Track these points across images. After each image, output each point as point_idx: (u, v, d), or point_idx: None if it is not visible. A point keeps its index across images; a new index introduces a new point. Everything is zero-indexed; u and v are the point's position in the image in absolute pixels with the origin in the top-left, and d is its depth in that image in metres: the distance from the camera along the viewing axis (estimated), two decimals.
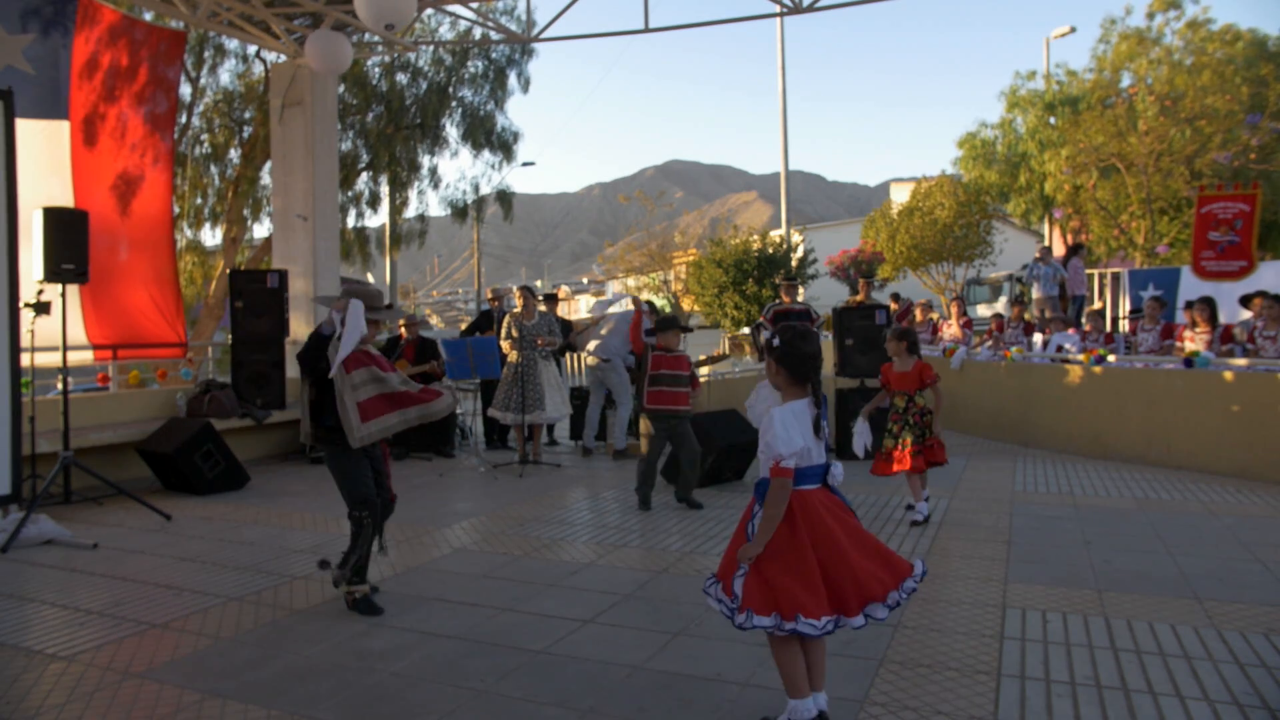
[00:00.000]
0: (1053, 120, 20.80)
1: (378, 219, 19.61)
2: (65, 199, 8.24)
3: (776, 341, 3.12)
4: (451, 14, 13.96)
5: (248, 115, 16.32)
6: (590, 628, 4.11)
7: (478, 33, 15.06)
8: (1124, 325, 12.76)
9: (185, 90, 15.12)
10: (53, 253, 6.37)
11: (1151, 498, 6.79)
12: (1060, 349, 10.36)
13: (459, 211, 18.67)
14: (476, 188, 18.63)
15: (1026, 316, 12.30)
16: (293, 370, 9.96)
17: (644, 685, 3.46)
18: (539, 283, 74.45)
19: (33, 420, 6.54)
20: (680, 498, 6.78)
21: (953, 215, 21.70)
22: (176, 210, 15.14)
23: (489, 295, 10.77)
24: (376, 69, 16.58)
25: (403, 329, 9.63)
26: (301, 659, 3.80)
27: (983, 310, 21.87)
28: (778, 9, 10.19)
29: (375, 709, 3.30)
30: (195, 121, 16.03)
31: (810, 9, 9.77)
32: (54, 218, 6.45)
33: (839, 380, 9.29)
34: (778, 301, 9.97)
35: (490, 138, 17.55)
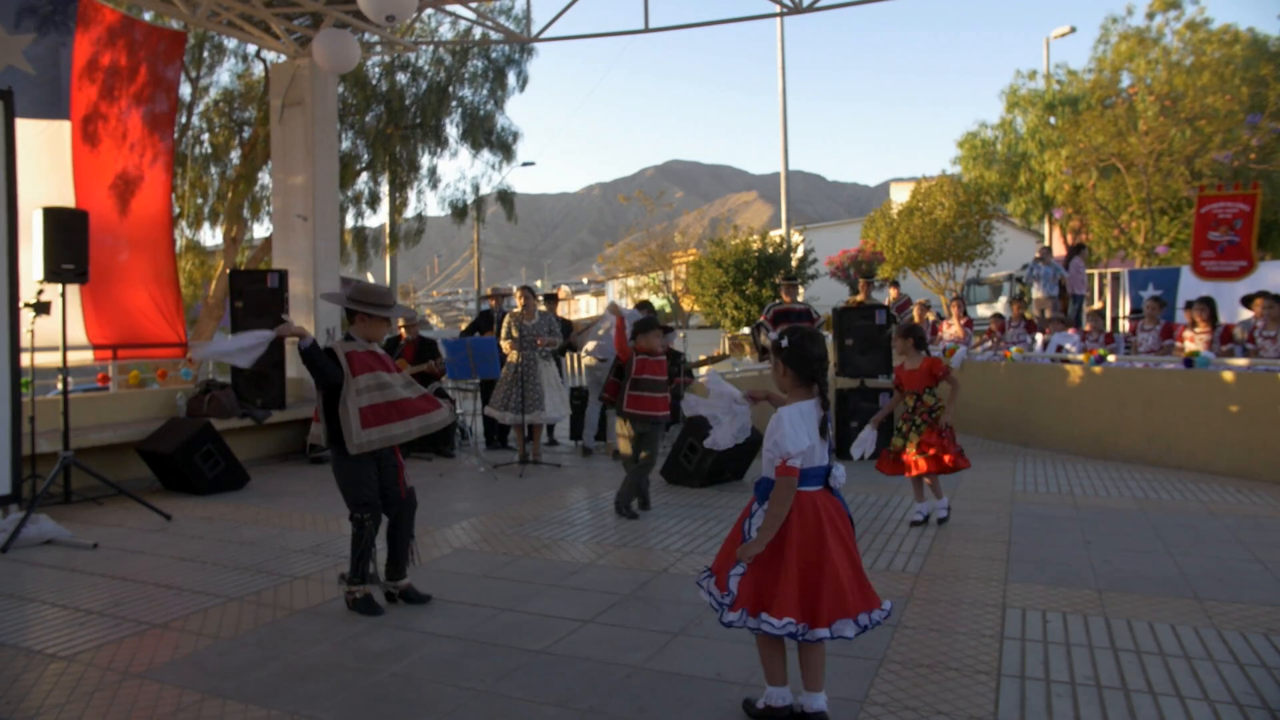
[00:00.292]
0: (1053, 120, 20.80)
1: (378, 219, 19.63)
2: (66, 199, 8.24)
3: (785, 342, 3.13)
4: (451, 14, 13.96)
5: (248, 115, 16.31)
6: (590, 628, 4.11)
7: (477, 32, 15.06)
8: (1124, 325, 12.76)
9: (185, 90, 15.12)
10: (53, 253, 6.37)
11: (1151, 498, 6.79)
12: (1060, 349, 10.36)
13: (459, 211, 18.67)
14: (476, 188, 18.64)
15: (1027, 315, 12.30)
16: (293, 370, 9.97)
17: (644, 685, 3.46)
18: (539, 283, 74.44)
19: (33, 420, 6.54)
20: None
21: (953, 215, 21.70)
22: (176, 210, 15.15)
23: (488, 293, 10.78)
24: (376, 69, 16.58)
25: (402, 329, 9.63)
26: (301, 659, 3.80)
27: (983, 310, 21.86)
28: (778, 9, 10.19)
29: (375, 709, 3.30)
30: (195, 121, 16.03)
31: (810, 9, 9.77)
32: (54, 218, 6.45)
33: (839, 380, 9.29)
34: (778, 301, 9.97)
35: (490, 138, 17.54)
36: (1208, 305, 9.11)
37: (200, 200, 16.50)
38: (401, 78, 16.81)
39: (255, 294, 9.25)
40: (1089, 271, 14.91)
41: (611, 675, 3.56)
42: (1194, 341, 8.93)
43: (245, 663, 3.77)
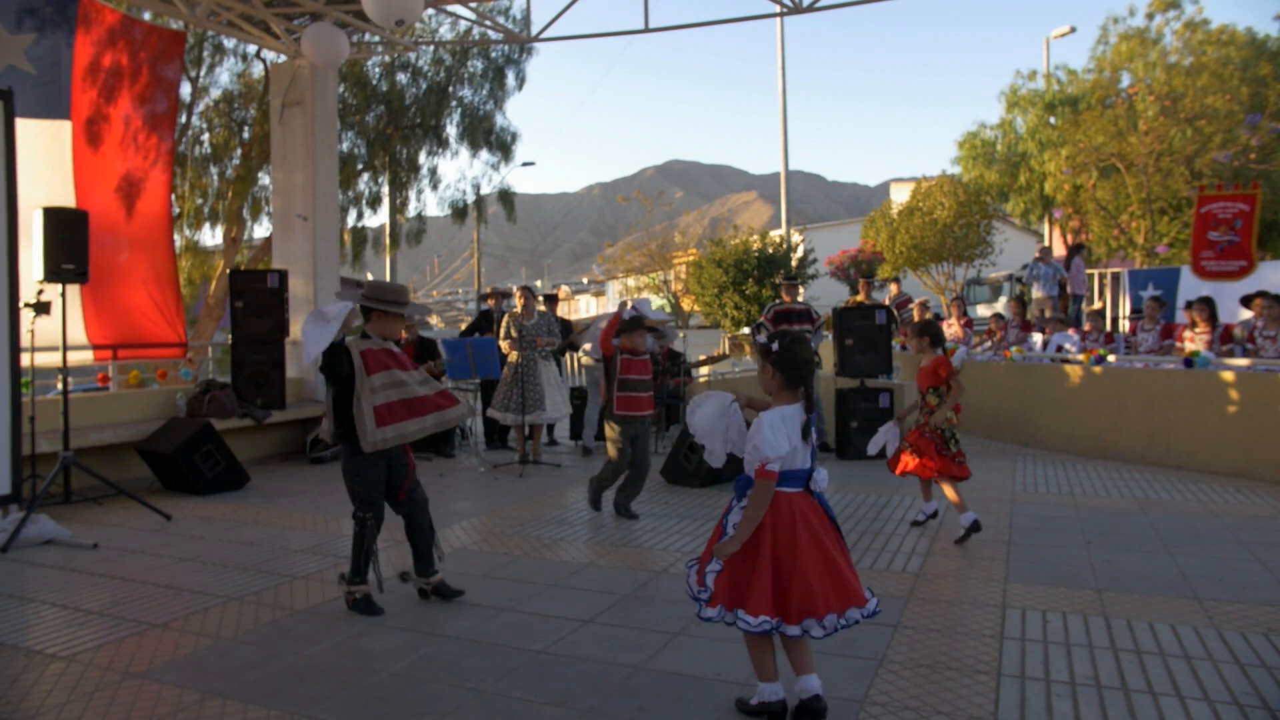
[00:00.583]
0: (1053, 120, 20.80)
1: (378, 219, 19.63)
2: (66, 199, 8.24)
3: (776, 346, 3.17)
4: (451, 14, 13.96)
5: (248, 115, 16.31)
6: (590, 628, 4.11)
7: (477, 33, 15.05)
8: (1124, 325, 12.76)
9: (185, 90, 15.11)
10: (53, 253, 6.37)
11: (1151, 498, 6.79)
12: (1060, 349, 10.36)
13: (459, 211, 18.68)
14: (477, 188, 18.65)
15: (1027, 316, 12.30)
16: (293, 370, 9.97)
17: (644, 685, 3.46)
18: (539, 283, 74.46)
19: (33, 420, 6.54)
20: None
21: (953, 215, 21.69)
22: (176, 210, 15.15)
23: (488, 293, 10.77)
24: (376, 69, 16.58)
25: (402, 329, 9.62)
26: (301, 659, 3.80)
27: (983, 310, 21.85)
28: (778, 9, 10.19)
29: (375, 709, 3.30)
30: (195, 121, 16.02)
31: (810, 9, 9.77)
32: (54, 218, 6.45)
33: (839, 380, 9.29)
34: (778, 301, 9.96)
35: (489, 138, 17.55)
36: (1207, 305, 9.11)
37: (200, 200, 16.49)
38: (401, 78, 16.82)
39: (255, 294, 9.25)
40: (1089, 271, 14.91)
41: (611, 675, 3.56)
42: (1194, 341, 8.93)
43: (245, 663, 3.77)
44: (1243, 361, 7.94)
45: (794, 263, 22.61)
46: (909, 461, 5.65)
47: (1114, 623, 4.03)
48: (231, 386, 8.92)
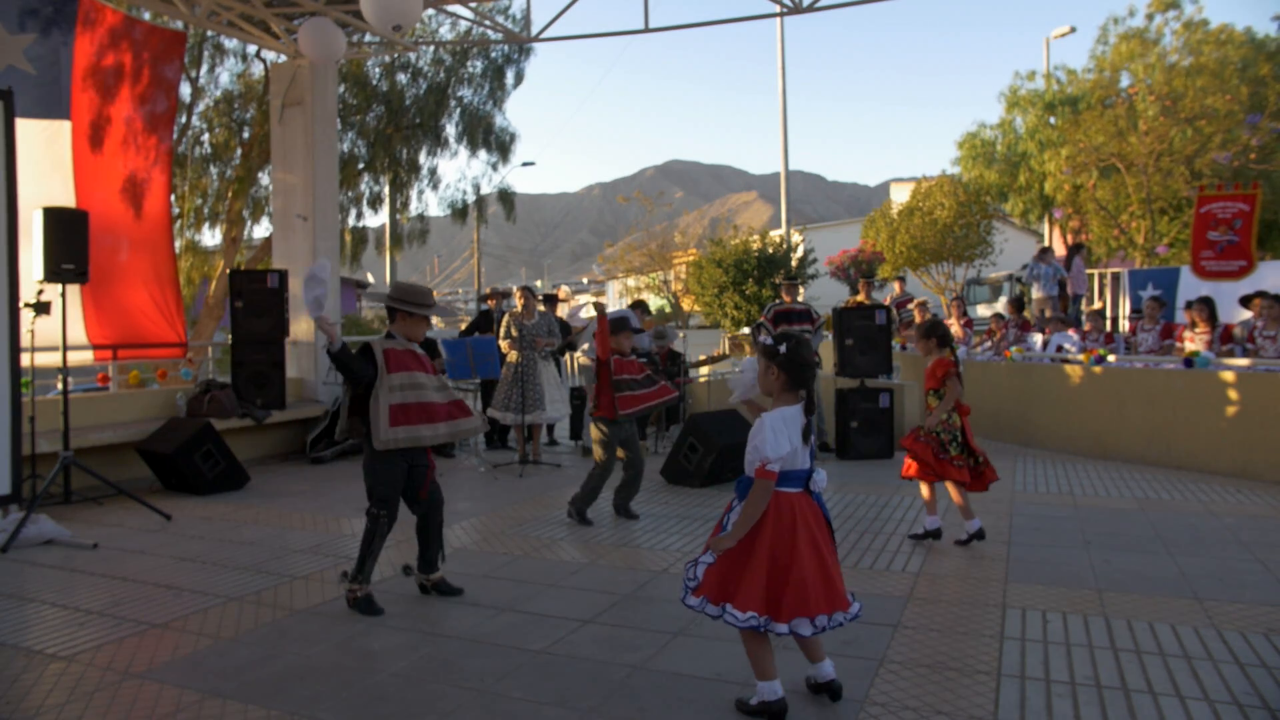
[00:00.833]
0: (1052, 120, 20.80)
1: (378, 219, 19.65)
2: (66, 199, 8.24)
3: (783, 349, 3.21)
4: (451, 14, 13.95)
5: (248, 115, 16.31)
6: (590, 628, 4.11)
7: (477, 33, 15.05)
8: (1124, 325, 12.76)
9: (185, 90, 15.09)
10: (53, 253, 6.37)
11: (1151, 498, 6.79)
12: (1060, 349, 10.36)
13: (459, 212, 18.68)
14: (477, 188, 18.64)
15: (1026, 314, 12.29)
16: (293, 370, 9.97)
17: (644, 685, 3.46)
18: (539, 283, 74.41)
19: (33, 420, 6.54)
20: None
21: (953, 215, 21.70)
22: (176, 210, 15.15)
23: (487, 293, 10.77)
24: (376, 69, 16.57)
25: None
26: (301, 659, 3.80)
27: (983, 310, 21.86)
28: (778, 9, 10.19)
29: (375, 709, 3.31)
30: (195, 121, 16.01)
31: (810, 9, 9.77)
32: (54, 218, 6.45)
33: (839, 380, 9.29)
34: (778, 301, 9.95)
35: (489, 138, 17.55)
36: (1207, 305, 9.11)
37: (200, 200, 16.48)
38: (401, 78, 16.81)
39: (255, 294, 9.25)
40: (1089, 271, 14.91)
41: (611, 675, 3.56)
42: (1194, 341, 8.93)
43: (245, 663, 3.77)
44: (1243, 361, 7.95)
45: (794, 263, 22.59)
46: (908, 466, 5.54)
47: (1114, 623, 4.03)
48: (231, 386, 8.92)
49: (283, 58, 10.88)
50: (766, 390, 3.28)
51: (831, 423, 9.28)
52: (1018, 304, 12.58)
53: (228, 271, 14.25)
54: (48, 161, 8.29)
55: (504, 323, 8.99)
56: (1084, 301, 14.21)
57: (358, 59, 15.04)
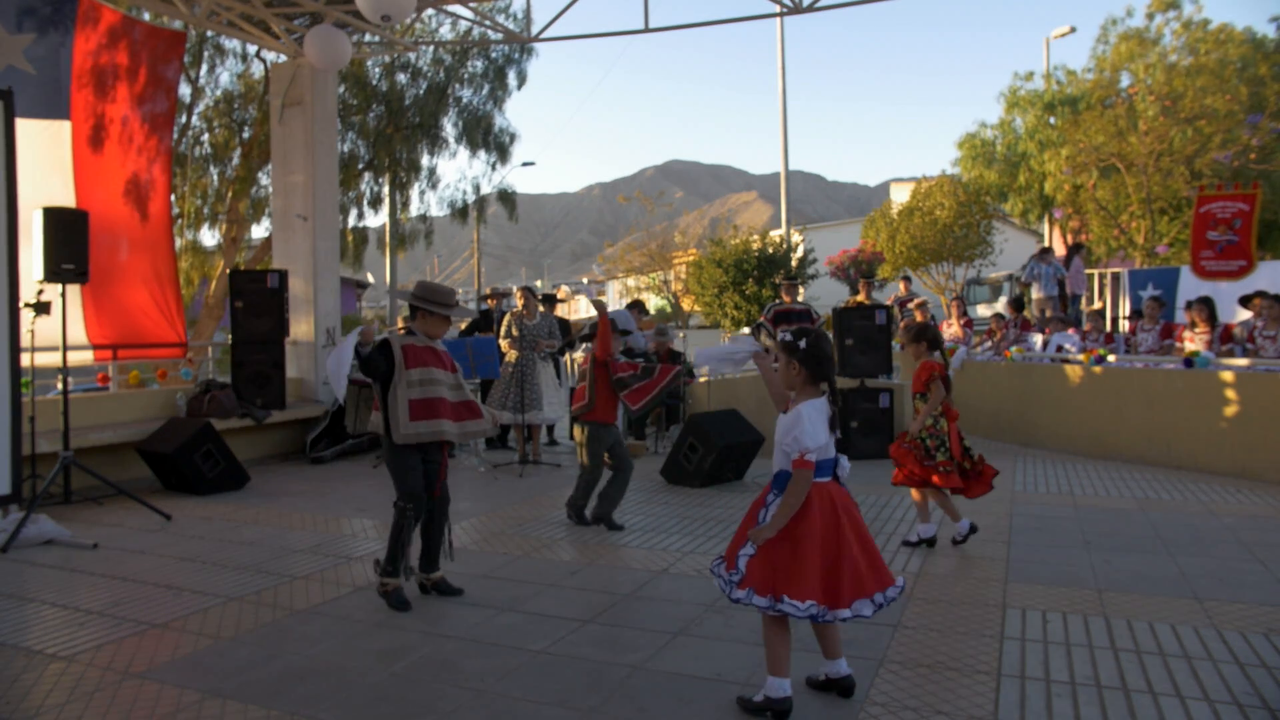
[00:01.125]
0: (1052, 120, 20.80)
1: (378, 219, 19.65)
2: (66, 199, 8.23)
3: (803, 344, 3.27)
4: (451, 14, 13.95)
5: (248, 115, 16.31)
6: (590, 628, 4.11)
7: (477, 33, 15.05)
8: (1124, 325, 12.75)
9: (185, 90, 15.12)
10: (53, 253, 6.37)
11: (1151, 498, 6.79)
12: (1060, 349, 10.36)
13: (459, 212, 18.69)
14: (477, 188, 18.65)
15: (1026, 314, 12.28)
16: (293, 370, 9.97)
17: (644, 685, 3.46)
18: (539, 283, 74.47)
19: (33, 420, 6.54)
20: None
21: (953, 215, 21.70)
22: (176, 210, 15.15)
23: (487, 293, 10.77)
24: (376, 69, 16.57)
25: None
26: (301, 659, 3.80)
27: (983, 310, 21.86)
28: (778, 9, 10.18)
29: (375, 709, 3.30)
30: (195, 122, 16.02)
31: (810, 9, 9.77)
32: (54, 218, 6.45)
33: (839, 380, 9.29)
34: (778, 301, 9.97)
35: (488, 138, 17.56)
36: (1207, 305, 9.10)
37: (200, 200, 16.49)
38: (401, 78, 16.82)
39: (255, 294, 9.25)
40: (1089, 271, 14.90)
41: (611, 675, 3.56)
42: (1194, 341, 8.93)
43: (245, 663, 3.77)
44: (1243, 361, 7.94)
45: (794, 263, 22.59)
46: (896, 473, 5.45)
47: (1114, 623, 4.03)
48: (231, 386, 8.92)
49: (283, 58, 10.88)
50: (789, 386, 3.33)
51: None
52: (1017, 304, 12.58)
53: (228, 271, 14.25)
54: (48, 161, 8.29)
55: (505, 322, 8.99)
56: (1083, 301, 14.21)
57: (358, 59, 15.03)
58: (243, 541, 5.92)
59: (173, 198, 12.81)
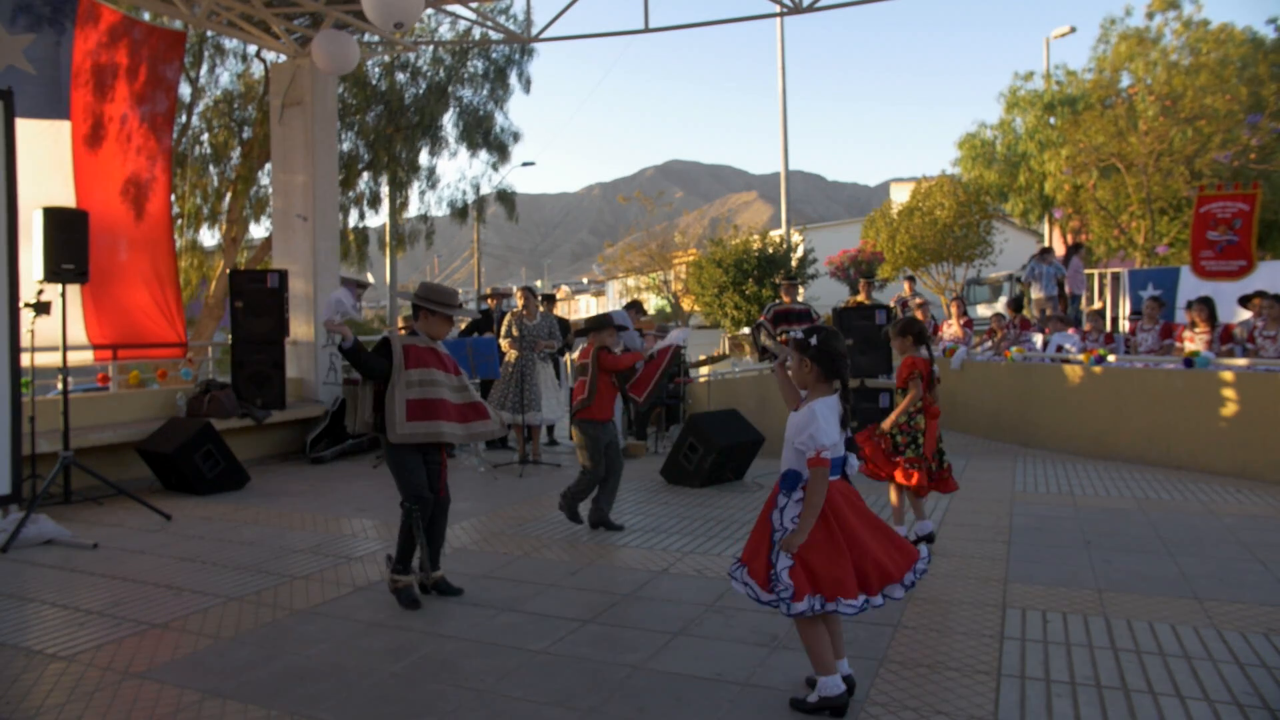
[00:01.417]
0: (1052, 120, 20.79)
1: (378, 219, 19.65)
2: (66, 199, 8.23)
3: (814, 341, 3.27)
4: (451, 14, 13.95)
5: (248, 115, 16.30)
6: (590, 628, 4.11)
7: (477, 33, 15.05)
8: (1124, 325, 12.75)
9: (185, 90, 15.11)
10: (53, 253, 6.37)
11: (1152, 498, 6.79)
12: (1060, 349, 10.36)
13: (459, 211, 18.69)
14: (477, 188, 18.65)
15: (1026, 314, 12.28)
16: (293, 370, 9.96)
17: (644, 685, 3.46)
18: (539, 283, 74.41)
19: (33, 420, 6.53)
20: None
21: (953, 215, 21.68)
22: (176, 210, 15.14)
23: (487, 293, 10.77)
24: (376, 69, 16.56)
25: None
26: (301, 659, 3.80)
27: (983, 310, 21.85)
28: (778, 9, 10.18)
29: (375, 709, 3.31)
30: (195, 121, 16.01)
31: (810, 9, 9.77)
32: (54, 218, 6.45)
33: None
34: (778, 301, 9.96)
35: (487, 138, 17.55)
36: (1207, 305, 9.10)
37: (200, 200, 16.49)
38: (401, 78, 16.81)
39: (255, 294, 9.25)
40: (1088, 271, 14.90)
41: (611, 675, 3.56)
42: (1194, 341, 8.92)
43: (245, 663, 3.77)
44: (1242, 361, 7.94)
45: (794, 263, 22.58)
46: (867, 467, 5.35)
47: (1114, 623, 4.03)
48: (231, 386, 8.92)
49: (283, 58, 10.88)
50: (802, 384, 3.32)
51: None
52: (1016, 304, 12.57)
53: (228, 271, 14.25)
54: (48, 161, 8.29)
55: (505, 322, 8.99)
56: (1083, 301, 14.21)
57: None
58: (243, 541, 5.92)
59: (173, 197, 12.80)
